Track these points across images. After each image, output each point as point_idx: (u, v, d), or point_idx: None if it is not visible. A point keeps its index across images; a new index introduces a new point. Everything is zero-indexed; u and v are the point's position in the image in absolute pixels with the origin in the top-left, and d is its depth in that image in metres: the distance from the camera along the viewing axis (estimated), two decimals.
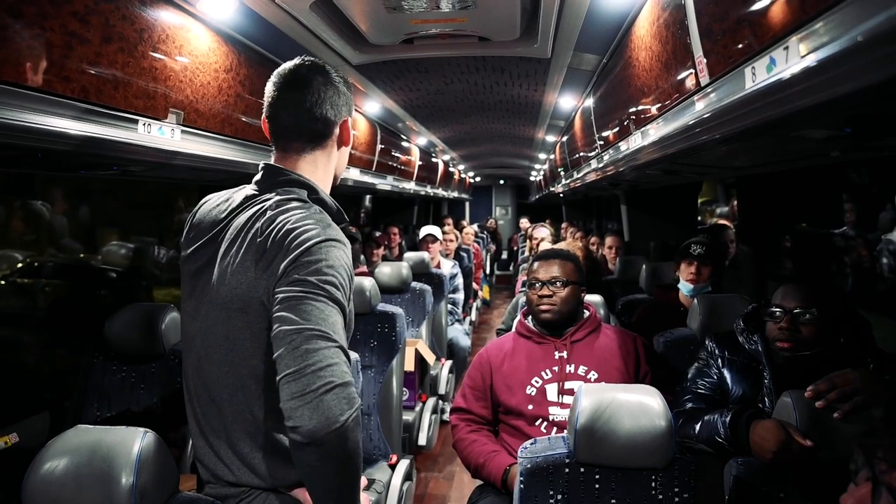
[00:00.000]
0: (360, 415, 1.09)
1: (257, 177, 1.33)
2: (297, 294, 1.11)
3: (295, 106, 1.30)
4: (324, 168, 1.36)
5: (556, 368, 2.05)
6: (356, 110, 3.82)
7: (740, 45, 1.16)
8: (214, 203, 1.34)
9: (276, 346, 1.09)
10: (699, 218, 4.88)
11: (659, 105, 1.87)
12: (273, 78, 1.33)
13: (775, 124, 1.15)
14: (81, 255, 4.11)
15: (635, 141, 2.26)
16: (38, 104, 1.29)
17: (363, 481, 1.29)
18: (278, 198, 1.26)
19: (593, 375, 2.03)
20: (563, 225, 8.21)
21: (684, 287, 2.76)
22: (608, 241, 4.59)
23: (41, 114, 1.30)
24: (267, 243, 1.18)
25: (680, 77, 1.60)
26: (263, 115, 1.34)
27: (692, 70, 1.46)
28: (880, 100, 0.87)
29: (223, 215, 1.29)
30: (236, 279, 1.20)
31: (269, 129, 1.34)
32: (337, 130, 1.35)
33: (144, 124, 1.65)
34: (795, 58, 0.93)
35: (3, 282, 3.49)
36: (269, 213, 1.22)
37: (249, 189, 1.32)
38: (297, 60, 1.34)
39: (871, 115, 1.04)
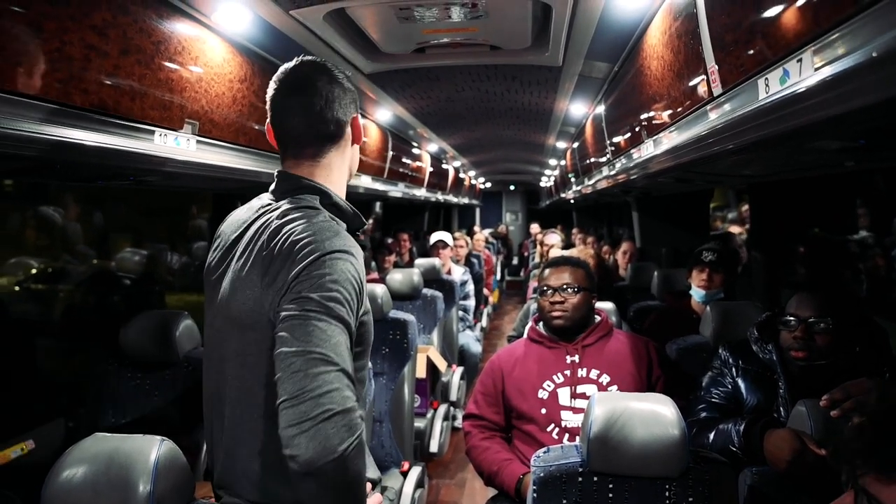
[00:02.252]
0: (362, 441, 1.04)
1: (273, 185, 1.31)
2: (298, 313, 1.06)
3: (304, 111, 1.25)
4: (339, 170, 1.32)
5: (567, 372, 2.04)
6: (367, 118, 3.84)
7: (753, 56, 1.16)
8: (238, 213, 1.34)
9: (277, 369, 1.05)
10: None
11: (671, 114, 1.87)
12: (273, 83, 1.28)
13: (789, 136, 1.15)
14: (95, 262, 4.15)
15: (647, 149, 2.26)
16: (58, 116, 1.31)
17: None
18: (286, 206, 1.22)
19: (605, 379, 2.03)
20: (574, 231, 8.19)
21: (696, 294, 2.75)
22: (623, 246, 4.58)
23: (60, 125, 1.32)
24: (271, 257, 1.14)
25: (692, 86, 1.59)
26: (268, 122, 1.30)
27: (704, 80, 1.46)
28: None
29: (240, 225, 1.28)
30: (244, 295, 1.17)
31: (277, 135, 1.30)
32: (349, 129, 1.31)
33: (161, 135, 1.67)
34: (809, 70, 0.93)
35: (17, 288, 3.53)
36: (274, 224, 1.19)
37: (267, 198, 1.31)
38: (295, 62, 1.28)
39: (886, 128, 1.03)
